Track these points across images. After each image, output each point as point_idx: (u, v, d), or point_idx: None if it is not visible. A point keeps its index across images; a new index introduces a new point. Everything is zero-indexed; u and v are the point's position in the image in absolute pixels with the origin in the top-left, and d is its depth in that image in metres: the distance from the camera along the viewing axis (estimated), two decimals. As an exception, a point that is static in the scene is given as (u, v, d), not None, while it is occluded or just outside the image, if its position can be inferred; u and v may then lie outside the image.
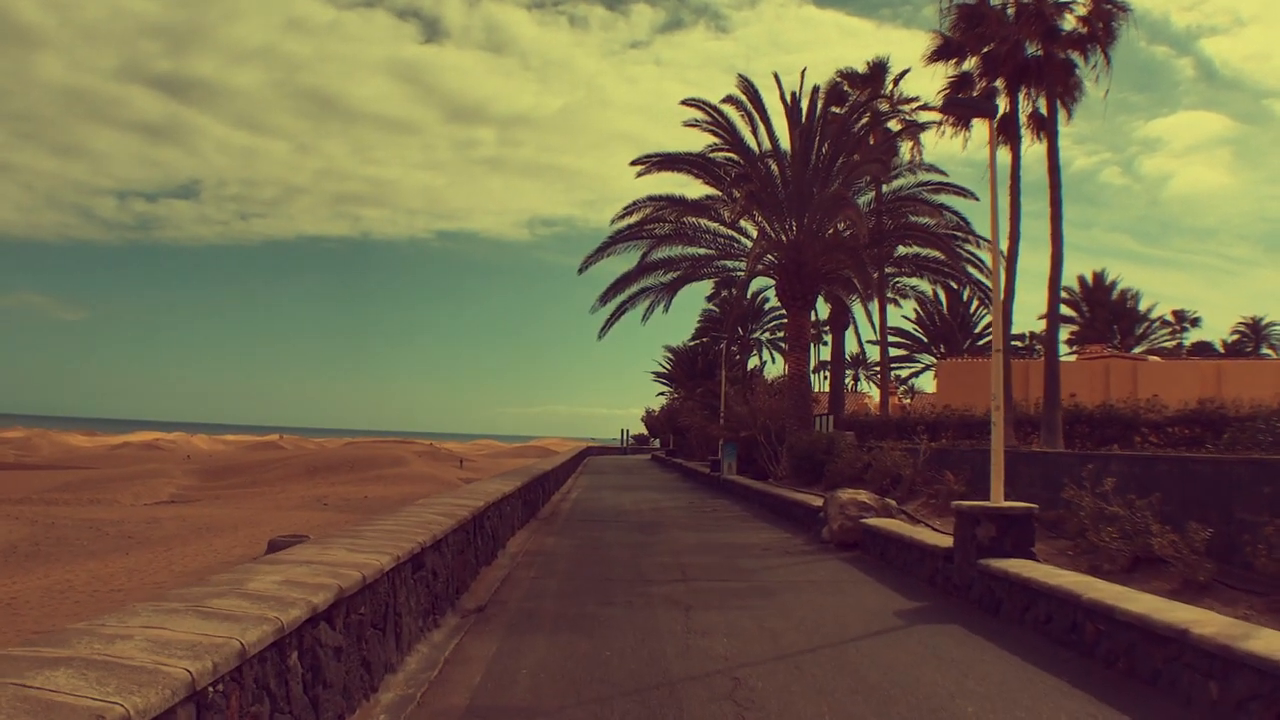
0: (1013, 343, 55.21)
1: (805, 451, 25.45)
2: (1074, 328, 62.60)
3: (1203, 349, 68.29)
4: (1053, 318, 22.81)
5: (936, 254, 29.06)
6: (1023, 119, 25.52)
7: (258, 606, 5.05)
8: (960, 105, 20.70)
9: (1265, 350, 76.58)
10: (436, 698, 6.97)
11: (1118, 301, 58.77)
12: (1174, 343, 68.08)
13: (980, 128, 26.65)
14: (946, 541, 12.33)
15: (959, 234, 28.48)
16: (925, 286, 32.01)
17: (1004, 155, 26.17)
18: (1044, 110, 25.29)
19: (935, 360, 53.62)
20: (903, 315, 53.30)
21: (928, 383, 63.08)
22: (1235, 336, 78.90)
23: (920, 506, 17.91)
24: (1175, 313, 71.22)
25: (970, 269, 29.22)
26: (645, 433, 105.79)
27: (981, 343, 53.10)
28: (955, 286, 31.12)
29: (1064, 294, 61.83)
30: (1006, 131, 25.72)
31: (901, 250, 29.82)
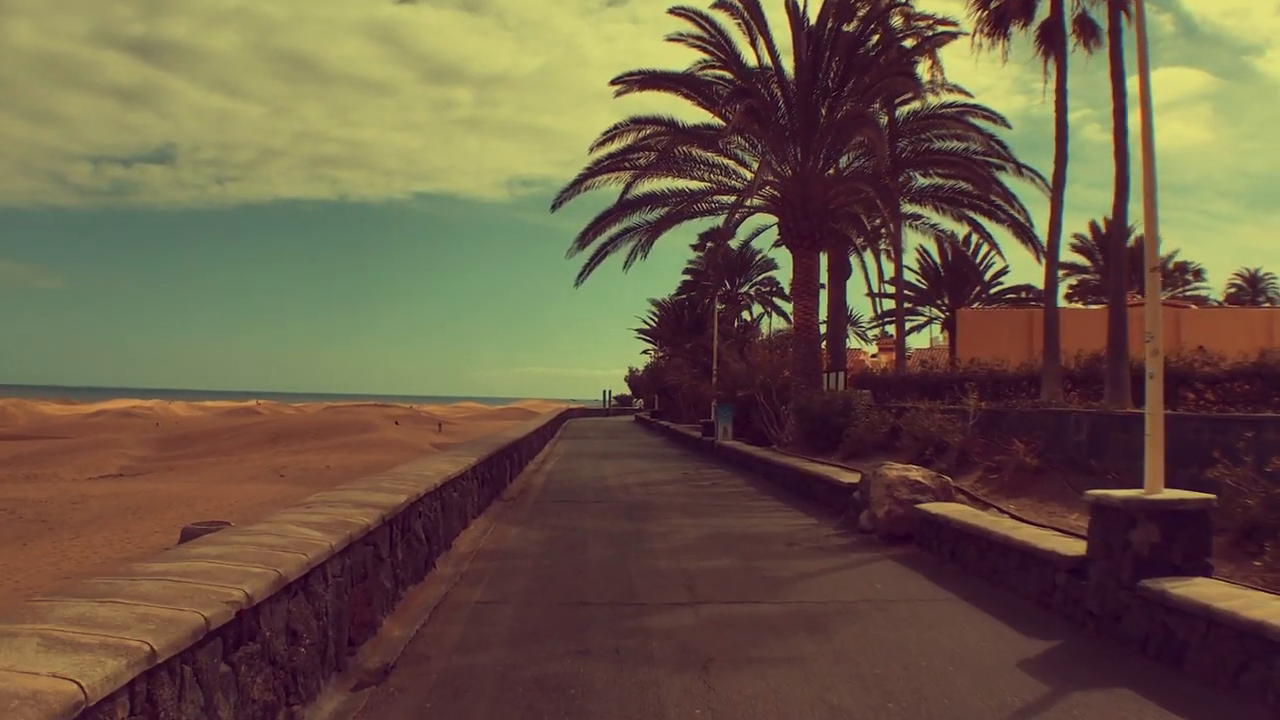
0: (1014, 295, 51.61)
1: (818, 414, 21.77)
2: (1085, 277, 58.93)
3: (1199, 303, 65.00)
4: (1117, 249, 19.13)
5: (964, 185, 25.19)
6: (1069, 24, 21.82)
7: None
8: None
9: (1263, 303, 73.53)
10: None
11: (1134, 249, 54.84)
12: (1171, 294, 64.62)
13: (1020, 38, 22.80)
14: (1070, 546, 8.65)
15: (993, 160, 24.63)
16: (948, 224, 28.18)
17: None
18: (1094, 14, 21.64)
19: (940, 313, 49.96)
20: (903, 265, 49.38)
21: (919, 340, 59.12)
22: (1232, 290, 75.88)
23: (977, 483, 14.28)
24: (1178, 264, 67.85)
25: (1003, 204, 25.28)
26: (629, 393, 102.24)
27: (991, 292, 49.48)
28: (984, 224, 27.20)
29: (1074, 241, 58.39)
30: (1050, 40, 22.05)
31: (922, 181, 25.97)
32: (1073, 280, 57.81)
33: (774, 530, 13.61)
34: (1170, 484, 10.91)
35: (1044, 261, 22.26)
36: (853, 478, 15.12)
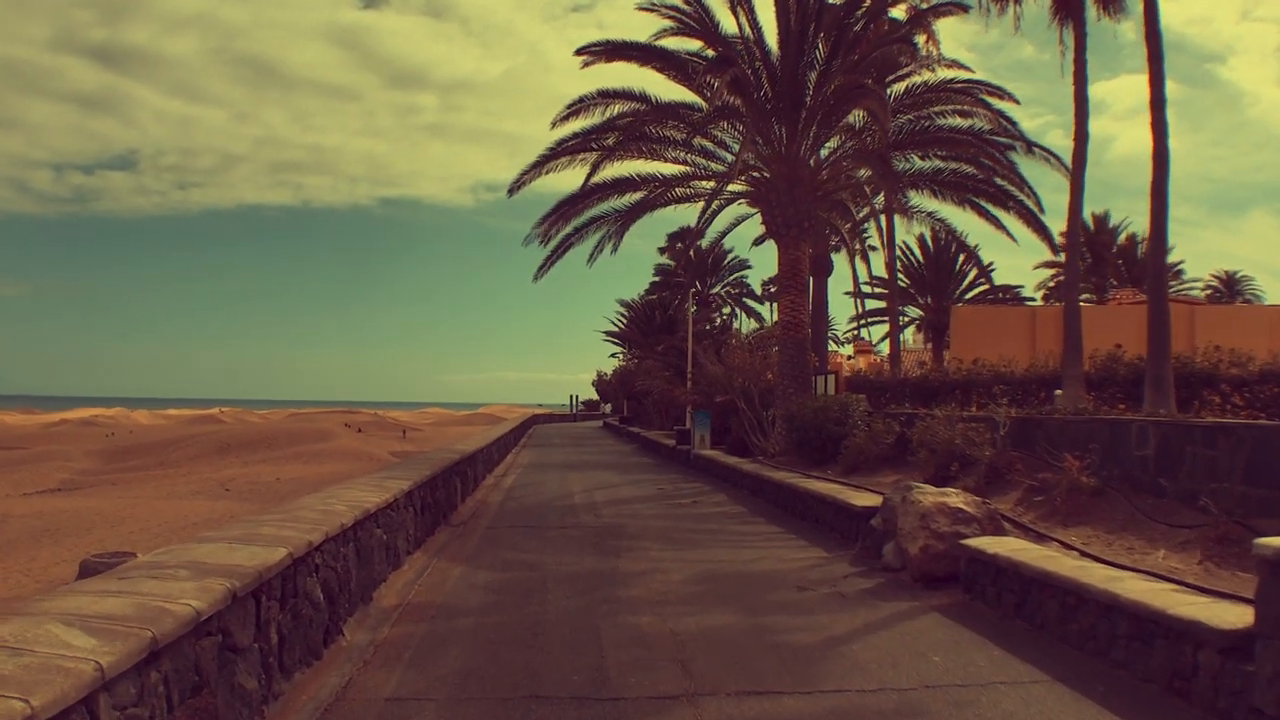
0: (993, 296, 49.33)
1: (810, 422, 19.34)
2: (1062, 277, 56.72)
3: (1187, 302, 63.52)
4: (1158, 236, 16.79)
5: (967, 168, 22.78)
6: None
7: None
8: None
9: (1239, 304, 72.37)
10: None
11: (1126, 246, 52.76)
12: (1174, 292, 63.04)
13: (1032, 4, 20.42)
14: (1218, 614, 6.20)
15: (1001, 139, 22.21)
16: (948, 212, 25.75)
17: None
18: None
19: (921, 313, 47.71)
20: (894, 256, 46.67)
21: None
22: (1209, 291, 74.68)
23: (1017, 506, 11.85)
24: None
25: (1012, 189, 22.70)
26: (596, 398, 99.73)
27: (973, 293, 47.24)
28: (987, 213, 24.58)
29: (1061, 239, 56.37)
30: (1067, 6, 19.79)
31: (920, 164, 23.52)
32: (1058, 279, 55.56)
33: (777, 567, 11.15)
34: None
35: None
36: (868, 500, 12.70)
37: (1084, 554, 9.15)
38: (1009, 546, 8.95)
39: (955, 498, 10.17)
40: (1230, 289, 75.47)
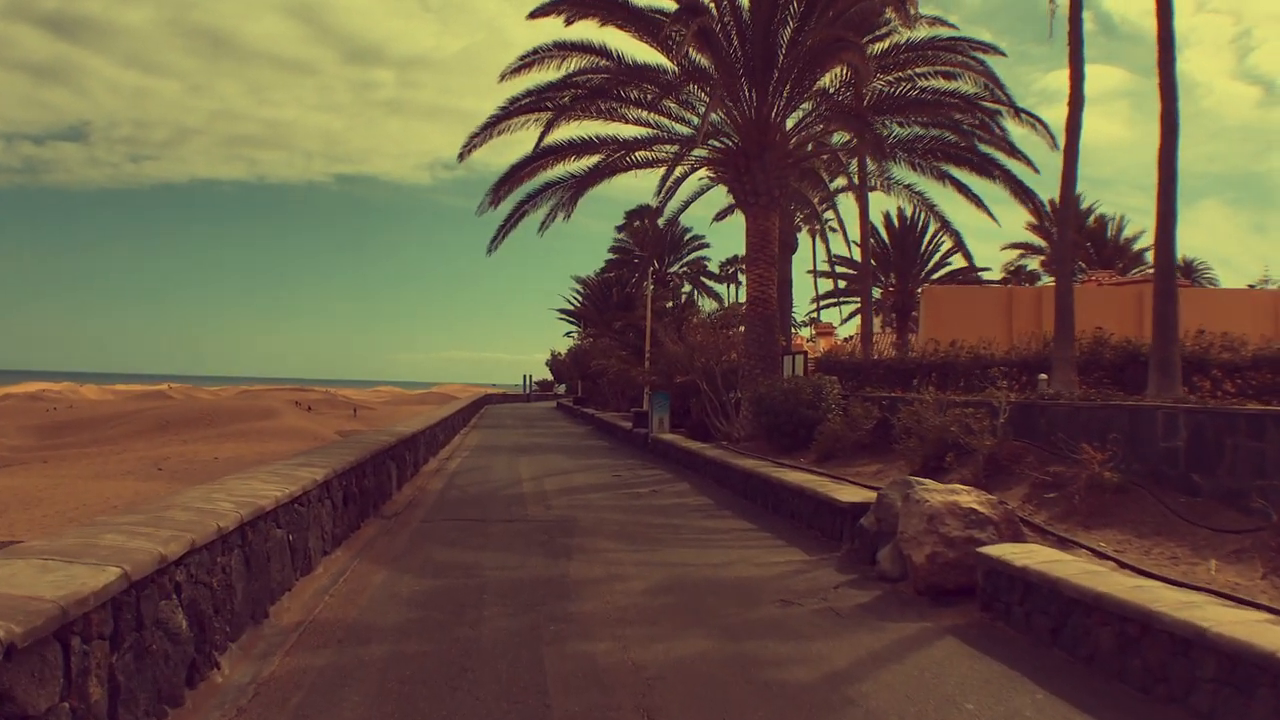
0: (969, 275, 48.13)
1: (781, 405, 17.87)
2: (1024, 260, 55.23)
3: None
4: (1166, 207, 15.37)
5: (950, 135, 21.25)
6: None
7: None
8: None
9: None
10: None
11: (1096, 228, 51.52)
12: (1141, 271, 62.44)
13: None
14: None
15: (987, 102, 20.67)
16: (928, 185, 24.23)
17: None
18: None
19: (881, 294, 46.35)
20: (850, 241, 45.10)
21: (850, 328, 55.01)
22: (1167, 278, 74.27)
23: (1025, 503, 10.41)
24: (1126, 244, 65.73)
25: (999, 157, 21.14)
26: (550, 378, 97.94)
27: (939, 274, 45.97)
28: (968, 186, 23.00)
29: (1034, 220, 55.31)
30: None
31: (900, 131, 21.89)
32: (1019, 264, 54.27)
33: (753, 573, 9.61)
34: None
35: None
36: (854, 495, 11.22)
37: (1121, 564, 7.72)
38: (1039, 557, 7.46)
39: (966, 496, 8.67)
40: (1189, 275, 75.12)
